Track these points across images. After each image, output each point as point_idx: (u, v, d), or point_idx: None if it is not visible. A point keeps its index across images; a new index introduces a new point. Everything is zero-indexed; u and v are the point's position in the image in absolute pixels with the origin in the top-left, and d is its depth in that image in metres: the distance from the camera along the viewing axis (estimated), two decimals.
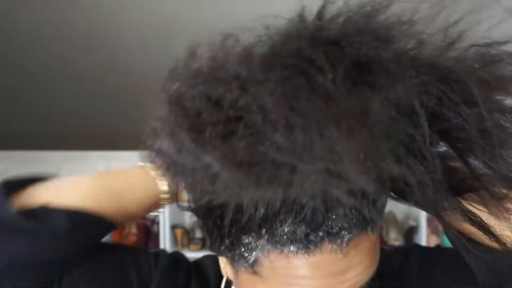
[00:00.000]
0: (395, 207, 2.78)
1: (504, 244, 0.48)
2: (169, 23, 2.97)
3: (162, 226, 2.74)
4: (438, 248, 0.64)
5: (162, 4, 2.67)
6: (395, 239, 2.76)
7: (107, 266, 0.57)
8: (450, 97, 0.40)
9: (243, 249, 0.45)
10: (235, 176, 0.35)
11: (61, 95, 3.23)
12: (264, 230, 0.43)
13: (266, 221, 0.42)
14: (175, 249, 2.61)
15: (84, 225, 0.52)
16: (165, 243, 2.72)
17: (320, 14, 0.42)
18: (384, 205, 0.47)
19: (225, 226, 0.44)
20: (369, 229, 0.45)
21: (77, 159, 3.08)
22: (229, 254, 0.47)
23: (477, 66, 0.42)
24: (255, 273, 0.45)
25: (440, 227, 2.54)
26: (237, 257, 0.46)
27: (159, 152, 0.42)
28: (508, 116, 0.43)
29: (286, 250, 0.43)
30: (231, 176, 0.35)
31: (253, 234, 0.44)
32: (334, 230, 0.42)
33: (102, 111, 4.06)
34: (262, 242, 0.44)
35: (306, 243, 0.42)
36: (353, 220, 0.43)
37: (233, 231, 0.44)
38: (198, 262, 0.64)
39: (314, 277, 0.43)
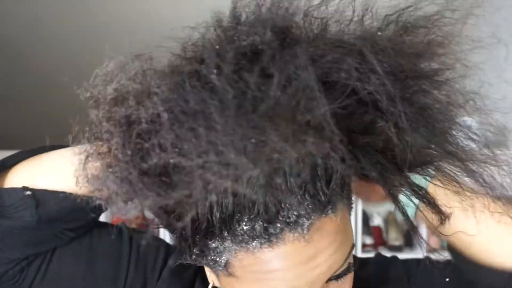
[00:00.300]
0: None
1: (447, 216, 0.50)
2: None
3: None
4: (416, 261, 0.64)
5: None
6: (395, 239, 2.75)
7: (103, 251, 0.56)
8: (358, 69, 0.40)
9: (213, 254, 0.46)
10: (133, 190, 0.37)
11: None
12: (226, 232, 0.43)
13: (225, 223, 0.43)
14: None
15: (65, 215, 0.51)
16: None
17: (232, 18, 0.43)
18: (344, 184, 0.46)
19: (188, 236, 0.45)
20: (329, 211, 0.44)
21: None
22: (203, 261, 0.47)
23: (379, 34, 0.44)
24: (230, 274, 0.46)
25: None
26: (211, 263, 0.47)
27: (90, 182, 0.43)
28: (428, 82, 0.45)
29: (250, 247, 0.43)
30: (130, 190, 0.37)
31: (217, 238, 0.44)
32: (292, 219, 0.42)
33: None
34: (227, 244, 0.44)
35: (267, 237, 0.42)
36: (309, 206, 0.43)
37: (197, 239, 0.45)
38: None
39: (284, 269, 0.43)
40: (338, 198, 0.45)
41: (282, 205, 0.42)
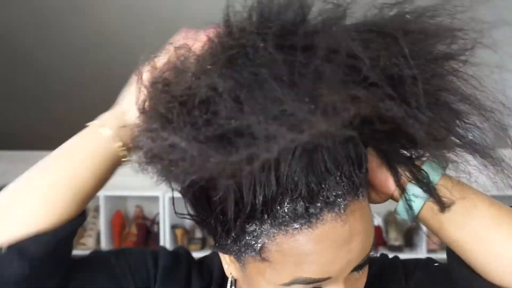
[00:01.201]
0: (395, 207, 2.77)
1: (448, 206, 0.50)
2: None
3: (162, 226, 2.76)
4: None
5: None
6: (395, 239, 2.76)
7: (100, 279, 0.57)
8: (388, 49, 0.44)
9: (248, 238, 0.46)
10: (199, 149, 0.39)
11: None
12: (266, 215, 0.44)
13: (266, 206, 0.44)
14: None
15: (43, 256, 0.51)
16: (165, 243, 2.74)
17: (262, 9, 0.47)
18: (367, 170, 0.49)
19: (229, 220, 0.46)
20: (360, 194, 0.47)
21: None
22: (236, 247, 0.48)
23: (407, 19, 0.47)
24: (263, 259, 0.47)
25: None
26: (243, 248, 0.47)
27: (138, 149, 0.46)
28: (448, 66, 0.48)
29: (290, 229, 0.44)
30: (196, 150, 0.39)
31: (256, 221, 0.45)
32: (331, 199, 0.44)
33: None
34: (266, 227, 0.45)
35: (308, 217, 0.44)
36: (345, 187, 0.45)
37: (237, 223, 0.46)
38: (202, 260, 0.65)
39: (321, 251, 0.45)
40: (366, 183, 0.48)
41: (322, 185, 0.44)
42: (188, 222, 2.89)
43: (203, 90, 0.41)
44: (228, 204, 0.45)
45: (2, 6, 2.68)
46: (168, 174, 0.44)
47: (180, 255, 0.63)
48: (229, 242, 0.48)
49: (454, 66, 0.48)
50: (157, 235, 2.83)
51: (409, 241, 2.83)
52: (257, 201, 0.44)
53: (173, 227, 2.82)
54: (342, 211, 0.45)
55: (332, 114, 0.37)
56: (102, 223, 2.78)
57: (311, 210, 0.44)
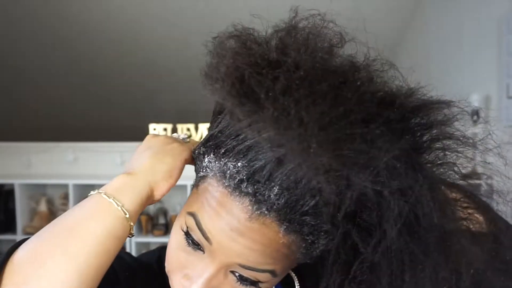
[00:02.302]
0: None
1: None
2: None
3: None
4: None
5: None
6: None
7: None
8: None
9: (203, 164, 0.51)
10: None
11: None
12: (224, 158, 0.48)
13: (232, 152, 0.47)
14: (139, 235, 2.91)
15: None
16: None
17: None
18: (320, 245, 0.49)
19: (213, 132, 0.52)
20: (284, 227, 0.46)
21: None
22: (198, 161, 0.53)
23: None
24: (197, 187, 0.52)
25: None
26: (198, 166, 0.53)
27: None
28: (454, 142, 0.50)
29: (223, 181, 0.48)
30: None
31: (218, 155, 0.49)
32: (260, 197, 0.46)
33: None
34: (216, 164, 0.49)
35: (237, 186, 0.46)
36: (277, 204, 0.45)
37: (212, 142, 0.51)
38: (139, 260, 0.66)
39: (220, 216, 0.47)
40: (303, 230, 0.47)
41: (267, 182, 0.45)
42: (152, 209, 3.07)
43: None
44: (223, 123, 0.50)
45: None
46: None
47: (116, 267, 0.60)
48: (199, 151, 0.53)
49: None
50: None
51: None
52: (236, 143, 0.47)
53: None
54: (255, 212, 0.46)
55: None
56: None
57: (242, 185, 0.46)
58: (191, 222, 0.50)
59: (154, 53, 4.02)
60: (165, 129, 3.09)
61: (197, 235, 0.50)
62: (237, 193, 0.47)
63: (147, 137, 0.59)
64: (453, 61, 3.25)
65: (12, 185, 2.92)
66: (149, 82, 4.30)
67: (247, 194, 0.46)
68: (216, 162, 0.49)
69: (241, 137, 0.47)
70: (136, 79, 4.28)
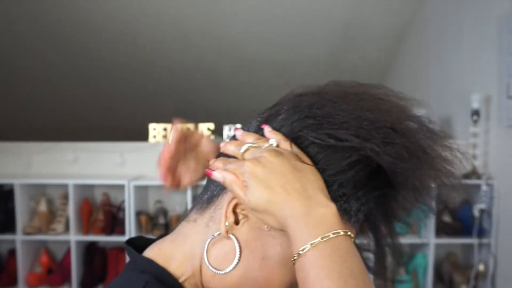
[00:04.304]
0: None
1: None
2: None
3: (128, 213, 2.90)
4: None
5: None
6: None
7: None
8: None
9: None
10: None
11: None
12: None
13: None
14: (139, 234, 2.92)
15: None
16: (130, 228, 2.90)
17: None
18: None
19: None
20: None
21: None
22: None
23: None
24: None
25: None
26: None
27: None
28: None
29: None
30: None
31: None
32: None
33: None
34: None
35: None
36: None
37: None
38: None
39: None
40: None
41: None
42: (152, 209, 3.07)
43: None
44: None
45: None
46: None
47: None
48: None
49: None
50: (122, 221, 2.93)
51: None
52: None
53: (138, 214, 2.96)
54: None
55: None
56: (71, 210, 2.83)
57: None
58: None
59: (154, 53, 4.03)
60: (165, 129, 3.09)
61: None
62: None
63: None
64: (453, 61, 3.25)
65: (12, 185, 2.92)
66: (149, 82, 4.31)
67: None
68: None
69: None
70: (136, 79, 4.29)
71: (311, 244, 0.48)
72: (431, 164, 0.56)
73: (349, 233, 0.49)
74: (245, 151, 0.56)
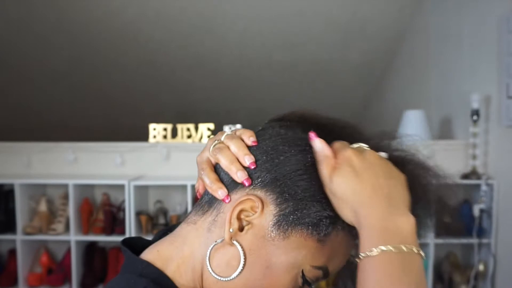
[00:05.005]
0: None
1: None
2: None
3: (128, 213, 2.90)
4: None
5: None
6: None
7: None
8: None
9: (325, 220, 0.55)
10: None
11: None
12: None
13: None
14: (139, 234, 2.90)
15: None
16: (130, 228, 2.89)
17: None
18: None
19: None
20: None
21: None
22: (308, 219, 0.55)
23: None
24: (319, 241, 0.55)
25: None
26: (310, 225, 0.55)
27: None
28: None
29: (350, 234, 0.56)
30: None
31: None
32: None
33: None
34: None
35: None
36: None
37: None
38: None
39: (344, 256, 0.59)
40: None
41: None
42: (152, 209, 3.07)
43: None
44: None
45: None
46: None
47: None
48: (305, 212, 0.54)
49: None
50: (122, 221, 2.93)
51: None
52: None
53: (138, 214, 2.96)
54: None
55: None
56: (71, 210, 2.83)
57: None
58: (318, 273, 0.56)
59: (154, 53, 4.03)
60: (165, 129, 3.09)
61: (317, 276, 0.56)
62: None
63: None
64: (453, 61, 3.25)
65: (12, 185, 2.92)
66: (149, 82, 4.31)
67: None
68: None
69: None
70: (136, 79, 4.29)
71: (381, 249, 0.48)
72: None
73: (421, 252, 0.50)
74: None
